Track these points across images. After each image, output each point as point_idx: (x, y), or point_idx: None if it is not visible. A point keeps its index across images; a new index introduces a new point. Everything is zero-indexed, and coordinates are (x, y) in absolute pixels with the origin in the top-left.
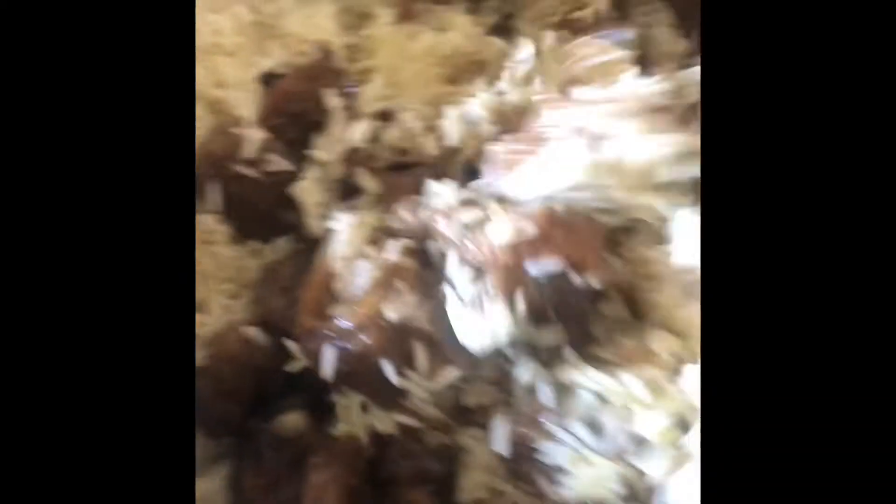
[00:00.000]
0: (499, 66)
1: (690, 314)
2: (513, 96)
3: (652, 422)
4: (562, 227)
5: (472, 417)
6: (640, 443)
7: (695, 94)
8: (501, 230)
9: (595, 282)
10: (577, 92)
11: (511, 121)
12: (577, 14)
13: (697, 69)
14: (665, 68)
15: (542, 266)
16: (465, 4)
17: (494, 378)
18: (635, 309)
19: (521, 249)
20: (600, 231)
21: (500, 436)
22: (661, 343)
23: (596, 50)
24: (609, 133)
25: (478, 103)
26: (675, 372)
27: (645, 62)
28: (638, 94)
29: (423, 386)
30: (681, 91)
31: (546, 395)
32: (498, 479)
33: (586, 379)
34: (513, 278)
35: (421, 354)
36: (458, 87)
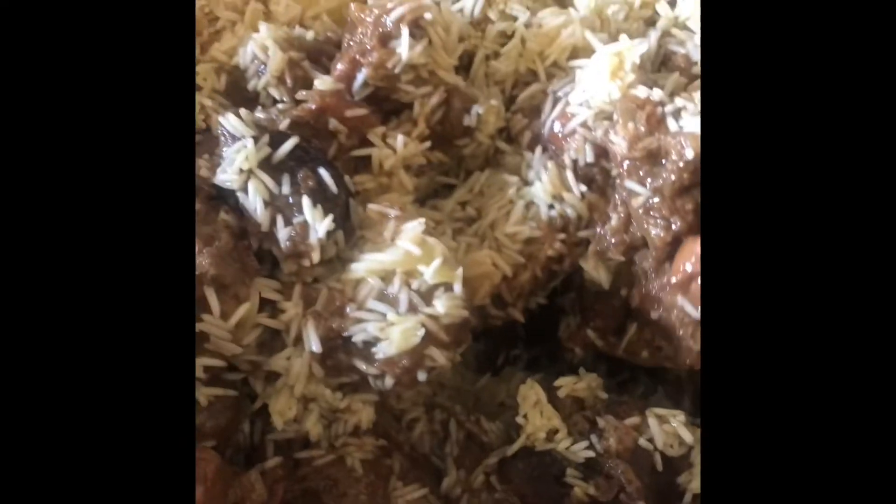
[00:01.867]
0: None
1: None
2: None
3: (428, 269)
4: None
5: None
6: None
7: None
8: None
9: None
10: None
11: None
12: None
13: None
14: None
15: None
16: None
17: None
18: None
19: None
20: None
21: (312, 336)
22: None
23: None
24: None
25: None
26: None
27: None
28: None
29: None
30: None
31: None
32: (311, 386)
33: (368, 264)
34: None
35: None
36: None
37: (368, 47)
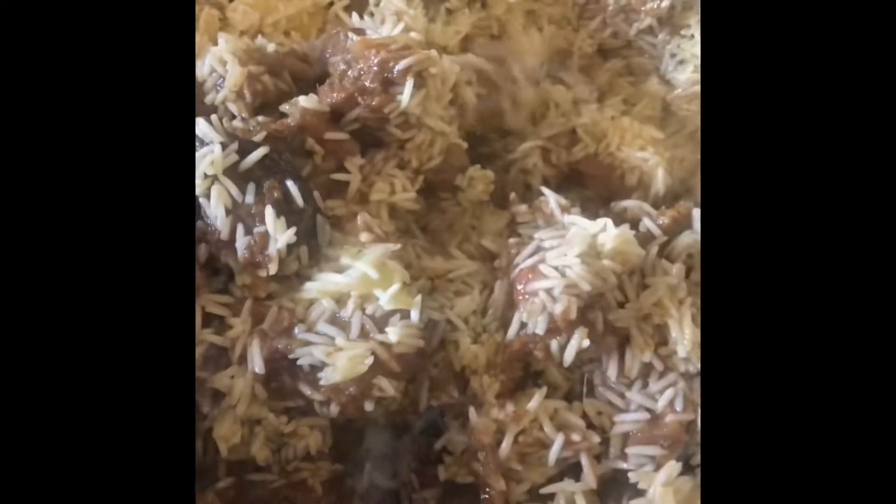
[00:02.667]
0: None
1: None
2: None
3: (384, 294)
4: None
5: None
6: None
7: None
8: None
9: None
10: None
11: None
12: None
13: None
14: None
15: None
16: None
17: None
18: None
19: None
20: None
21: (256, 356)
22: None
23: None
24: None
25: None
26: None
27: None
28: None
29: None
30: None
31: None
32: (255, 408)
33: (322, 284)
34: None
35: None
36: None
37: (369, 86)
